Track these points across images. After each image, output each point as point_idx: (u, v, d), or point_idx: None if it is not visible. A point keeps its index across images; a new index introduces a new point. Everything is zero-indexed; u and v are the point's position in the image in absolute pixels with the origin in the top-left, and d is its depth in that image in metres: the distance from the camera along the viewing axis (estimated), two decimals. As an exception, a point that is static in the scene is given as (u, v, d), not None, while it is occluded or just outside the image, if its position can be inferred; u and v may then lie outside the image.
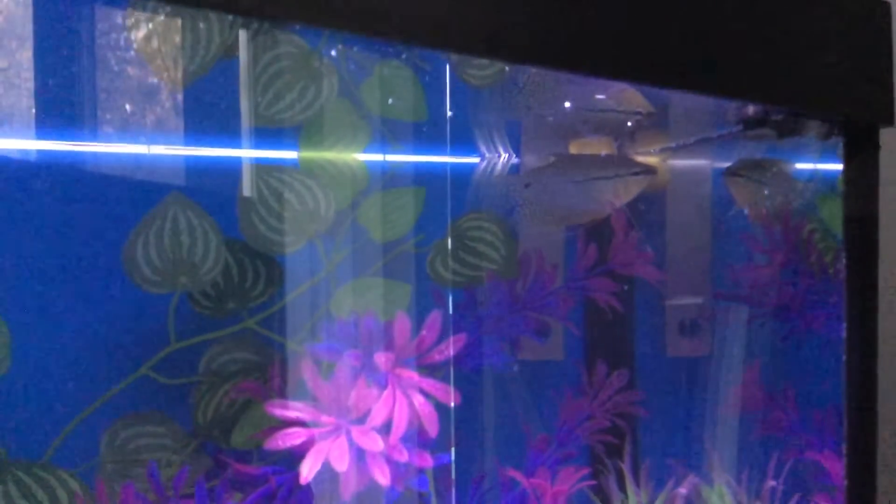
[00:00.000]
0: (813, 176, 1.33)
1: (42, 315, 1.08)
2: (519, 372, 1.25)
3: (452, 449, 1.10)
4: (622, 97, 1.23)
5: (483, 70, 1.23)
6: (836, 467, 1.16)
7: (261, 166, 1.16)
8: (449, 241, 1.21)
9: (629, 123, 1.23)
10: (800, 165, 1.33)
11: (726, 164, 1.32)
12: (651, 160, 1.33)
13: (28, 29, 1.05)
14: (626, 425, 1.20)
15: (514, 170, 1.26)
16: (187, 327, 1.12)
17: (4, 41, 1.04)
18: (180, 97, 1.16)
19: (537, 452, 1.13)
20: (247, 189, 1.15)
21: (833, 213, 1.31)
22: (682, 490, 1.10)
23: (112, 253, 1.09)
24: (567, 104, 1.21)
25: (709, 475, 1.19)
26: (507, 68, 1.21)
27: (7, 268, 1.05)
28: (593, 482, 1.11)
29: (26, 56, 1.07)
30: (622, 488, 1.15)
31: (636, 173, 1.26)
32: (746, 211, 1.31)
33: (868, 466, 0.81)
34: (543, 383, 1.29)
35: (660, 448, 1.31)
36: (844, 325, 0.77)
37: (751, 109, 0.83)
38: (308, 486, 0.97)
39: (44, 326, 1.08)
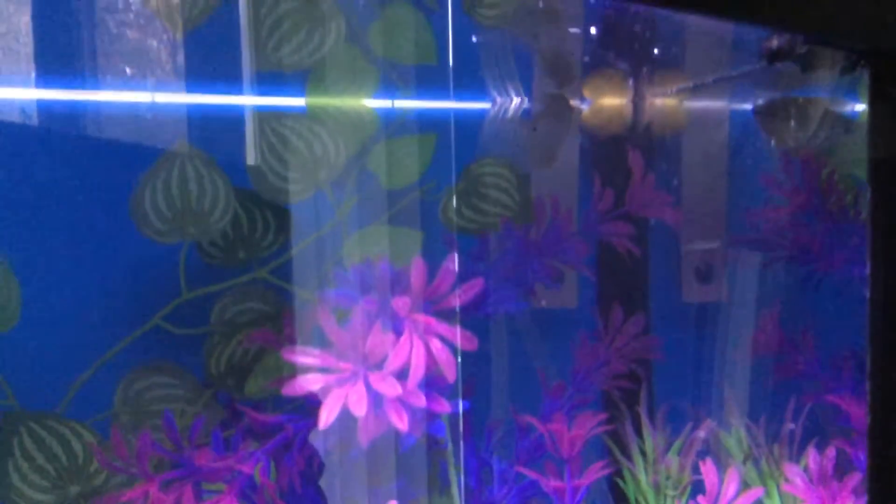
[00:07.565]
0: (835, 113, 1.29)
1: (51, 268, 1.07)
2: (534, 319, 1.23)
3: (459, 398, 1.09)
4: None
5: (493, 9, 1.19)
6: (856, 410, 1.15)
7: (268, 113, 1.14)
8: (460, 187, 1.19)
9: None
10: (820, 103, 1.29)
11: (744, 105, 1.29)
12: (668, 101, 1.30)
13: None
14: (642, 371, 1.19)
15: (526, 114, 1.23)
16: (198, 278, 1.11)
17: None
18: (182, 42, 1.13)
19: (553, 398, 1.13)
20: (254, 136, 1.13)
21: (853, 152, 1.28)
22: (701, 433, 1.09)
23: (120, 204, 1.07)
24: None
25: (726, 420, 1.18)
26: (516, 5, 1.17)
27: (15, 221, 1.05)
28: (611, 426, 1.10)
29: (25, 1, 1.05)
30: (639, 433, 1.14)
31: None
32: (778, 147, 1.28)
33: (892, 408, 0.79)
34: (558, 330, 1.27)
35: (677, 393, 1.30)
36: (868, 269, 0.74)
37: (774, 42, 0.80)
38: (323, 433, 0.96)
39: (53, 279, 1.07)
